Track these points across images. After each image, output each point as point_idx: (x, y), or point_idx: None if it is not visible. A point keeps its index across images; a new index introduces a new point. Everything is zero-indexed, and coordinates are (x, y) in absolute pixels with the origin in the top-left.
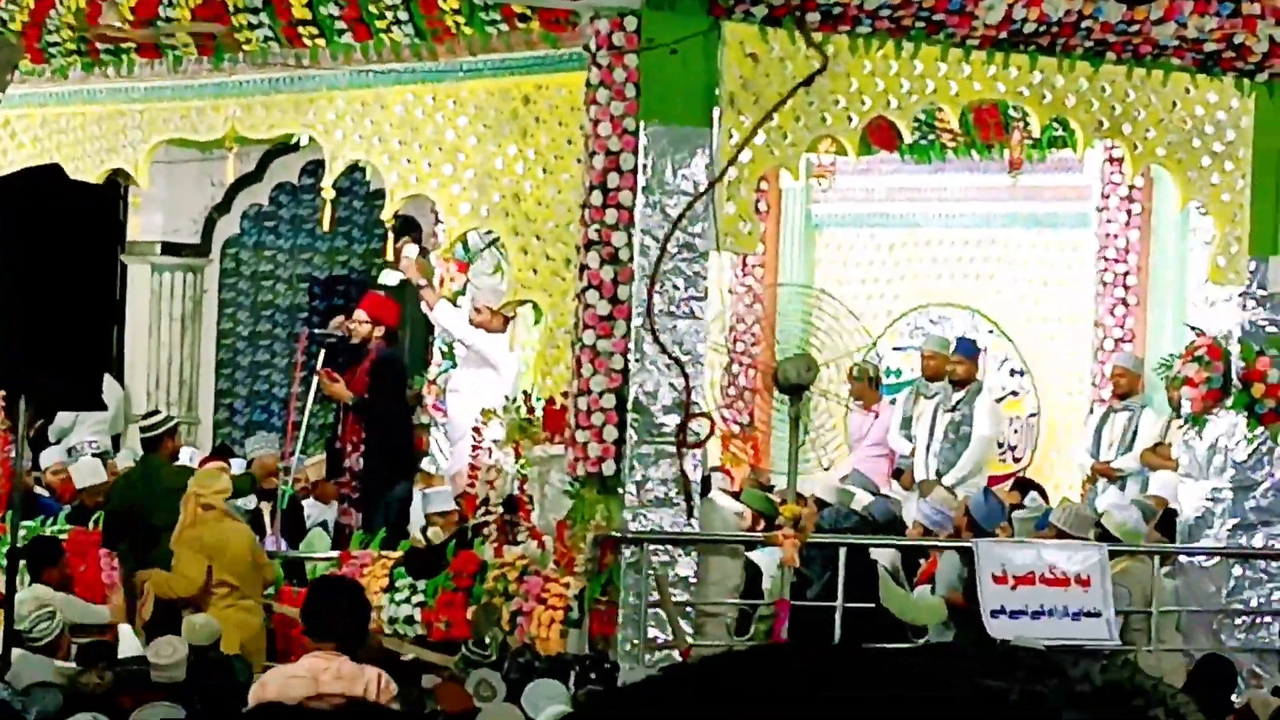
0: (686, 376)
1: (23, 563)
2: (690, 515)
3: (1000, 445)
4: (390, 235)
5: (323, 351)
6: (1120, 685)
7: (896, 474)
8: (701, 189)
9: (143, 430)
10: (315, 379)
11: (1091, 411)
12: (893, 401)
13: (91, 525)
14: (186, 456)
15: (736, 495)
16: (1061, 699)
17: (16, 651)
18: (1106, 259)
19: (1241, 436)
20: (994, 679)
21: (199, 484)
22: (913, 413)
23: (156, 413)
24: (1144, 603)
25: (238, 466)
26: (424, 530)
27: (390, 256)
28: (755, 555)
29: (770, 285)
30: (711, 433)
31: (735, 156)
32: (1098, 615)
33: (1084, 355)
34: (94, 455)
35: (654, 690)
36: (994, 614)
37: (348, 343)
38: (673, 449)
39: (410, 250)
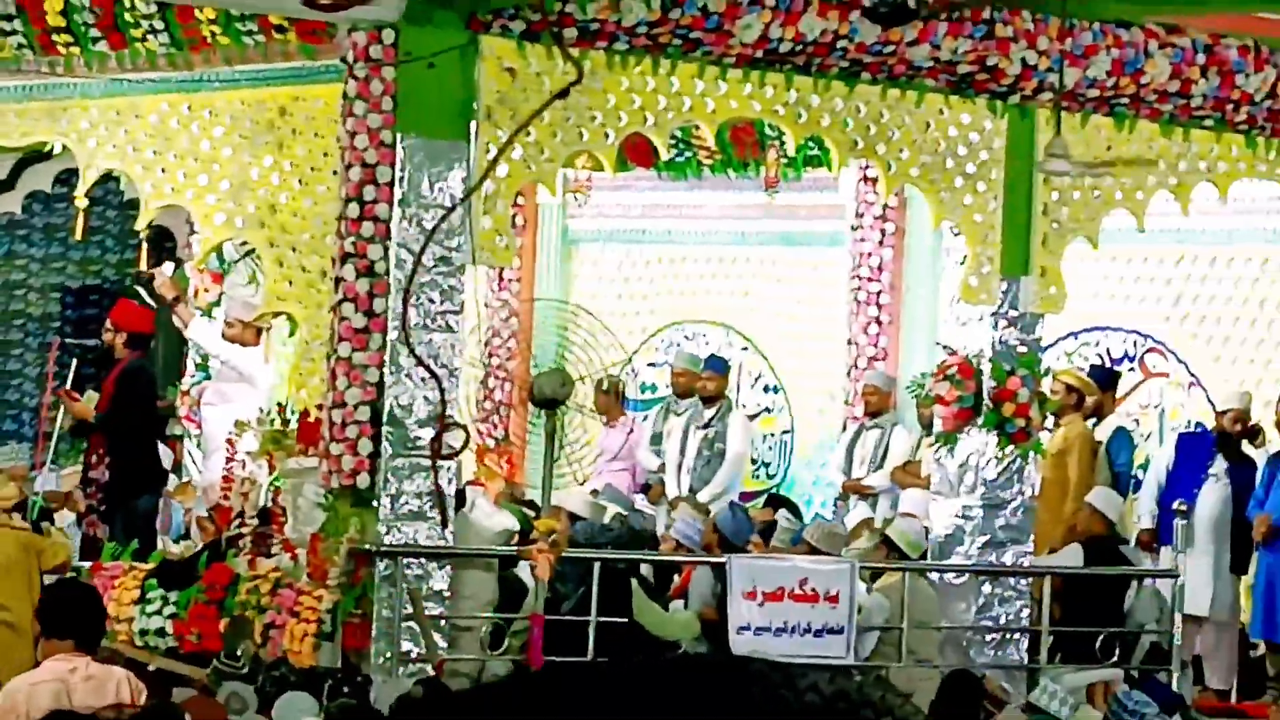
0: (441, 390)
1: None
2: (445, 528)
3: (753, 461)
4: (144, 245)
5: (74, 361)
6: (848, 695)
7: (644, 489)
8: (458, 202)
9: None
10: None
11: (844, 429)
12: (645, 418)
13: None
14: None
15: None
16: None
17: None
18: (860, 277)
19: (992, 455)
20: (728, 690)
21: None
22: (663, 429)
23: None
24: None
25: None
26: (177, 540)
27: (144, 267)
28: (520, 570)
29: (526, 300)
30: (466, 444)
31: (490, 169)
32: (840, 631)
33: (837, 373)
34: None
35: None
36: (740, 630)
37: (100, 352)
38: (428, 462)
39: (165, 267)
